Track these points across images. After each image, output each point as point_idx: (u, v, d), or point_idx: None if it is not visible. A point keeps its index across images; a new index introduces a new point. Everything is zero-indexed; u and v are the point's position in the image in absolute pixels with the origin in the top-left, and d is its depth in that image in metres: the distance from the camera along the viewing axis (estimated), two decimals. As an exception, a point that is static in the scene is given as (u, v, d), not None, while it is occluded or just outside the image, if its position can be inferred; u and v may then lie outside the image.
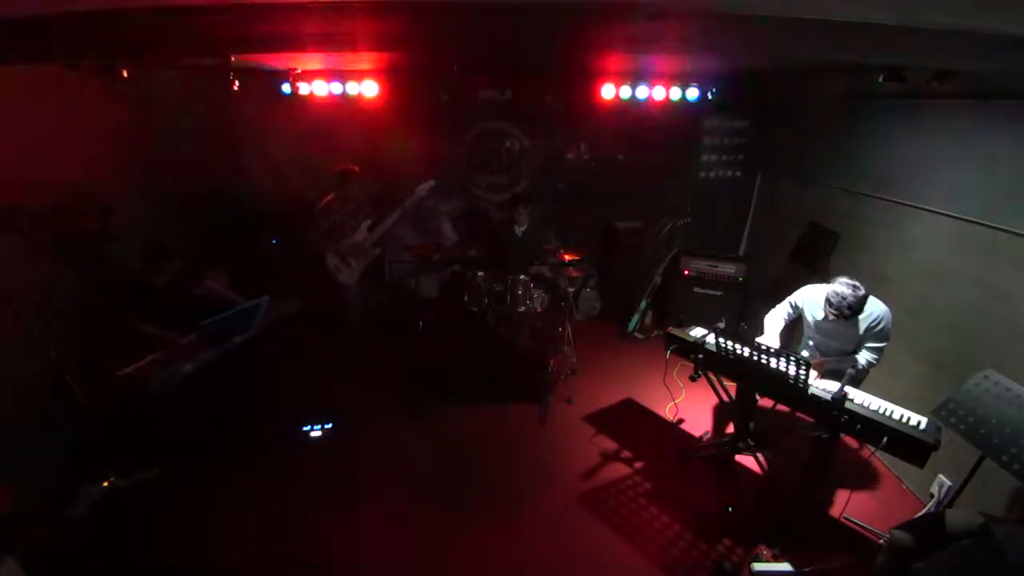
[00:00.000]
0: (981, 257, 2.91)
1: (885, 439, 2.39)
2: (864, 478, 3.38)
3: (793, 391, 2.65)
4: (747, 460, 3.41)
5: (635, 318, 5.39)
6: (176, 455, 3.14)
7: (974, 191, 2.99)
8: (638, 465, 3.46)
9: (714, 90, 4.36)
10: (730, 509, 3.05)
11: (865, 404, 2.57)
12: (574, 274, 4.63)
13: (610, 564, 2.74)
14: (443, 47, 3.09)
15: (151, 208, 3.97)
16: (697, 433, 3.81)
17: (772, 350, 2.60)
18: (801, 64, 2.97)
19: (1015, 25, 1.40)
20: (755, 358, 2.68)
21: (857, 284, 2.72)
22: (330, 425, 3.66)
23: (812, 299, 3.08)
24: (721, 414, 4.00)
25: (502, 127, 5.63)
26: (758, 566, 2.63)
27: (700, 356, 3.01)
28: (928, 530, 2.21)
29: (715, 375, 3.17)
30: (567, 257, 4.47)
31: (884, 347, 2.90)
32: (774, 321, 3.21)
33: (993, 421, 2.24)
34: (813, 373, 2.63)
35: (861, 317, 2.82)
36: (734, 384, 3.35)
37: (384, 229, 4.42)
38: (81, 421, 3.10)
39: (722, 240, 5.70)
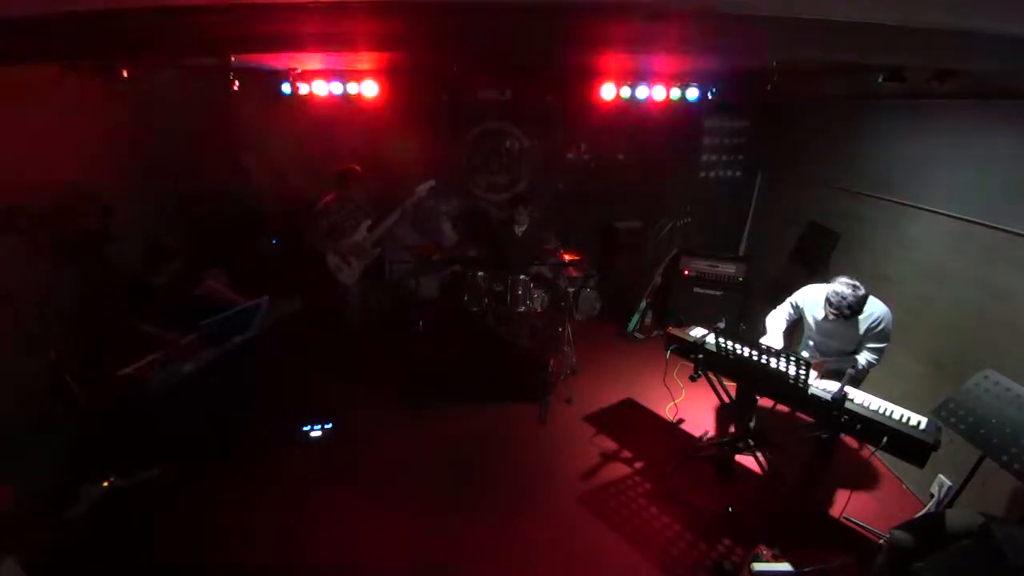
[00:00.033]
0: (981, 257, 2.91)
1: (885, 439, 2.39)
2: (864, 478, 3.38)
3: (793, 391, 2.65)
4: (747, 460, 3.41)
5: (635, 318, 5.39)
6: (176, 455, 3.14)
7: (974, 191, 2.99)
8: (638, 465, 3.46)
9: (714, 90, 4.35)
10: (730, 509, 3.05)
11: (865, 404, 2.57)
12: (574, 274, 4.63)
13: (610, 564, 2.74)
14: (443, 47, 3.09)
15: (151, 208, 3.97)
16: (697, 433, 3.81)
17: (772, 350, 2.61)
18: (801, 64, 2.96)
19: (1015, 25, 1.40)
20: (755, 358, 2.68)
21: (857, 284, 2.72)
22: (330, 425, 3.66)
23: (812, 299, 3.08)
24: (721, 414, 4.00)
25: (502, 127, 5.63)
26: (758, 566, 2.63)
27: (700, 356, 3.01)
28: (928, 530, 2.21)
29: (715, 375, 3.17)
30: (567, 257, 4.47)
31: (884, 348, 2.90)
32: (776, 322, 3.21)
33: (993, 421, 2.24)
34: (813, 373, 2.63)
35: (861, 317, 2.82)
36: (734, 384, 3.35)
37: (384, 229, 4.43)
38: (81, 421, 3.10)
39: (722, 240, 5.71)
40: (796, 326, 3.29)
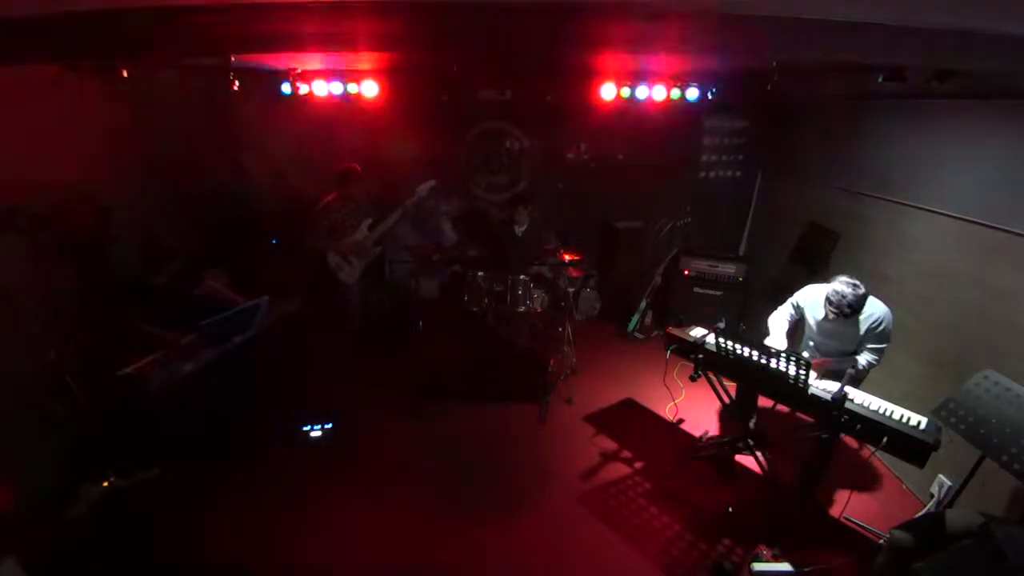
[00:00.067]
0: (981, 257, 2.91)
1: (885, 439, 2.39)
2: (864, 478, 3.38)
3: (793, 391, 2.65)
4: (747, 460, 3.41)
5: (635, 318, 5.39)
6: (176, 455, 3.14)
7: (974, 191, 2.99)
8: (638, 465, 3.46)
9: (714, 90, 4.35)
10: (730, 509, 3.05)
11: (865, 404, 2.57)
12: (574, 274, 4.63)
13: (610, 564, 2.74)
14: (442, 47, 3.09)
15: (151, 208, 3.97)
16: (697, 433, 3.80)
17: (773, 350, 2.60)
18: (801, 64, 2.96)
19: (1015, 25, 1.40)
20: (755, 358, 2.68)
21: (857, 283, 2.72)
22: (330, 425, 3.66)
23: (813, 299, 3.08)
24: (721, 414, 4.00)
25: (502, 127, 5.63)
26: (758, 566, 2.63)
27: (700, 356, 3.01)
28: (928, 530, 2.21)
29: (715, 375, 3.17)
30: (567, 257, 4.47)
31: (884, 348, 2.90)
32: (778, 323, 3.21)
33: (993, 421, 2.24)
34: (813, 373, 2.63)
35: (862, 318, 2.83)
36: (734, 384, 3.35)
37: (385, 228, 4.43)
38: (81, 421, 3.10)
39: (722, 240, 5.71)
40: (797, 326, 3.29)
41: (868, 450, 3.45)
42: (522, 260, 4.45)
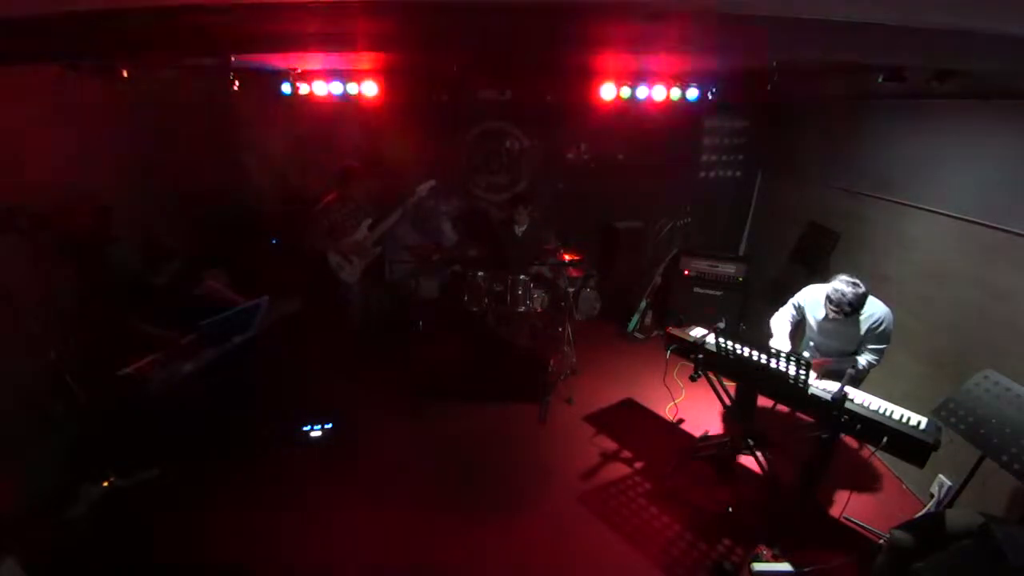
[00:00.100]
0: (981, 257, 2.91)
1: (885, 439, 2.39)
2: (864, 478, 3.38)
3: (793, 391, 2.65)
4: (747, 460, 3.41)
5: (635, 318, 5.39)
6: (176, 455, 3.14)
7: (974, 191, 2.99)
8: (638, 465, 3.46)
9: (714, 90, 4.35)
10: (730, 509, 3.05)
11: (865, 404, 2.57)
12: (574, 274, 4.63)
13: (610, 564, 2.74)
14: (442, 47, 3.09)
15: (151, 208, 3.97)
16: (697, 433, 3.80)
17: (773, 350, 2.60)
18: (801, 64, 2.96)
19: (1015, 25, 1.40)
20: (755, 358, 2.68)
21: (857, 282, 2.72)
22: (330, 425, 3.66)
23: (813, 299, 3.08)
24: (721, 414, 4.00)
25: (502, 127, 5.63)
26: (758, 566, 2.63)
27: (700, 356, 3.01)
28: (928, 530, 2.21)
29: (715, 375, 3.17)
30: (567, 257, 4.47)
31: (885, 348, 2.90)
32: (781, 324, 3.20)
33: (993, 421, 2.24)
34: (813, 373, 2.63)
35: (863, 318, 2.83)
36: (734, 384, 3.34)
37: (385, 228, 4.43)
38: (81, 421, 3.10)
39: (722, 240, 5.71)
40: (798, 327, 3.29)
41: (868, 450, 3.45)
42: (522, 260, 4.45)
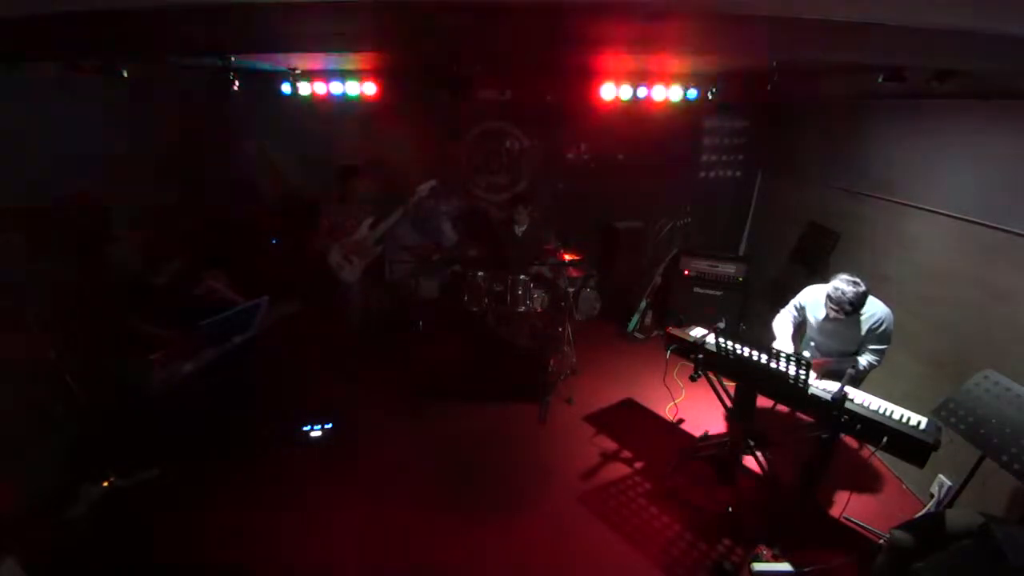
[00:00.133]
0: (981, 257, 2.91)
1: (885, 439, 2.39)
2: (864, 478, 3.38)
3: (793, 391, 2.64)
4: (747, 460, 3.41)
5: (635, 318, 5.39)
6: (176, 455, 3.14)
7: (974, 191, 2.99)
8: (638, 465, 3.46)
9: (714, 90, 4.35)
10: (730, 509, 3.05)
11: (865, 404, 2.57)
12: (574, 274, 4.63)
13: (610, 564, 2.74)
14: (441, 47, 3.09)
15: (151, 208, 3.97)
16: (697, 433, 3.80)
17: (773, 351, 2.60)
18: (801, 64, 2.97)
19: (1015, 25, 1.40)
20: (755, 358, 2.68)
21: (857, 280, 2.72)
22: (330, 425, 3.66)
23: (814, 299, 3.08)
24: (721, 414, 4.00)
25: (502, 127, 5.63)
26: (758, 566, 2.63)
27: (700, 356, 3.01)
28: (928, 530, 2.21)
29: (715, 375, 3.17)
30: (567, 257, 4.47)
31: (885, 349, 2.90)
32: (783, 326, 3.20)
33: (993, 421, 2.24)
34: (813, 373, 2.63)
35: (863, 318, 2.83)
36: (733, 384, 3.34)
37: (386, 228, 4.43)
38: (81, 421, 3.10)
39: (722, 240, 5.71)
40: (800, 329, 3.28)
41: (868, 450, 3.45)
42: (522, 260, 4.45)
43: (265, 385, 3.83)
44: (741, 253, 5.53)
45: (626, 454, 3.57)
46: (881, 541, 2.75)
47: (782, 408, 3.26)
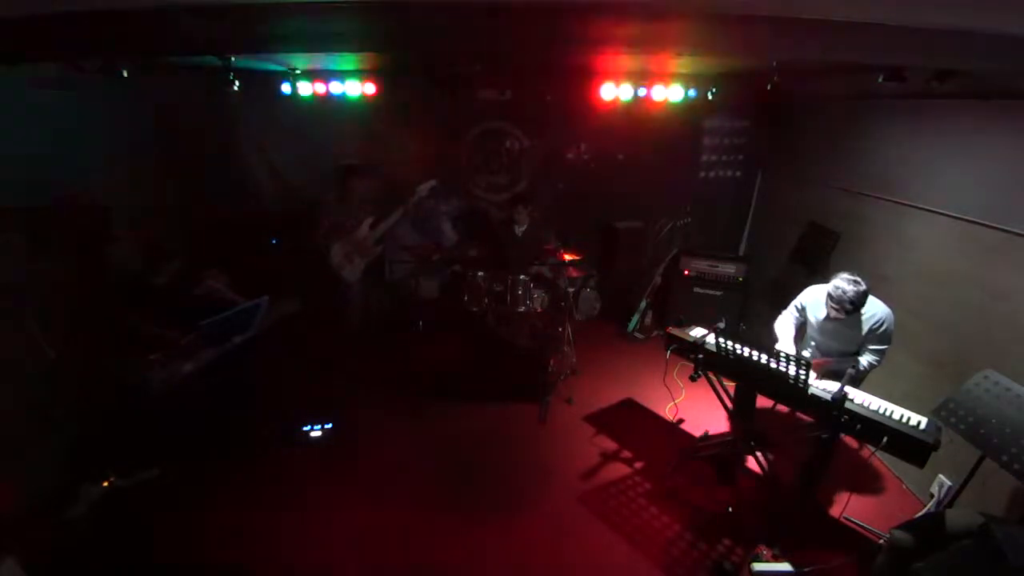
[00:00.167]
0: (981, 257, 2.91)
1: (885, 439, 2.39)
2: (864, 478, 3.38)
3: (793, 391, 2.64)
4: (747, 460, 3.41)
5: (635, 318, 5.39)
6: (176, 455, 3.14)
7: (974, 191, 2.99)
8: (638, 465, 3.46)
9: (714, 90, 4.35)
10: (730, 509, 3.05)
11: (865, 404, 2.57)
12: (574, 274, 4.63)
13: (610, 564, 2.74)
14: (442, 47, 3.09)
15: (151, 208, 3.97)
16: (697, 433, 3.80)
17: (773, 351, 2.61)
18: (801, 64, 2.97)
19: (1015, 25, 1.40)
20: (755, 358, 2.68)
21: (858, 279, 2.72)
22: (330, 425, 3.66)
23: (815, 299, 3.08)
24: (721, 414, 4.00)
25: (502, 127, 5.63)
26: (758, 566, 2.63)
27: (700, 356, 3.01)
28: (928, 530, 2.21)
29: (715, 375, 3.17)
30: (567, 257, 4.47)
31: (886, 349, 2.90)
32: (785, 327, 3.20)
33: (993, 421, 2.24)
34: (813, 373, 2.63)
35: (864, 318, 2.83)
36: (733, 384, 3.34)
37: (386, 227, 4.43)
38: (81, 421, 3.10)
39: (722, 240, 5.71)
40: (802, 329, 3.28)
41: (868, 450, 3.45)
42: (522, 260, 4.45)
43: (265, 385, 3.83)
44: (741, 253, 5.53)
45: (626, 454, 3.57)
46: (881, 541, 2.75)
47: (782, 408, 3.26)
